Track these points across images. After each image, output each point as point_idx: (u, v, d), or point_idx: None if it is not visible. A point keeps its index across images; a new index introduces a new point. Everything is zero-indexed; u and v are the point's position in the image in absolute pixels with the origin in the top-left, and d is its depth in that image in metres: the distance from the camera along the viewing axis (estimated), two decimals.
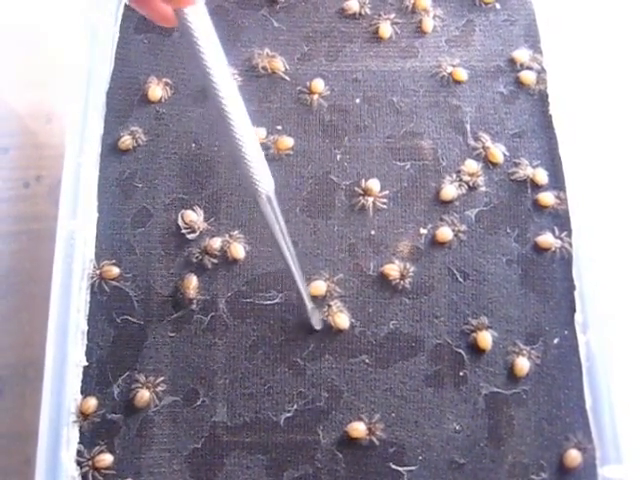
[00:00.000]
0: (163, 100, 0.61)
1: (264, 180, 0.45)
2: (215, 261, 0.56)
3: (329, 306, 0.54)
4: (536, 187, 0.57)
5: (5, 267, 0.70)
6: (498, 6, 0.64)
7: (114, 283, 0.56)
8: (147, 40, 0.63)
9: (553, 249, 0.56)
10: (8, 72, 0.79)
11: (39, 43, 0.80)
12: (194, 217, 0.57)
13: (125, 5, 0.64)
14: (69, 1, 0.79)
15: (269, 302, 0.55)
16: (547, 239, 0.56)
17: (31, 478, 0.50)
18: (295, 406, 0.52)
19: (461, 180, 0.58)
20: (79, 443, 0.52)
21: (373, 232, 0.57)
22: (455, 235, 0.56)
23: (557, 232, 0.56)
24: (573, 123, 0.59)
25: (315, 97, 0.61)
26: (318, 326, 0.53)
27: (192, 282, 0.55)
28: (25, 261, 0.70)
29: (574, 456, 0.50)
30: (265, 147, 0.58)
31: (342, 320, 0.54)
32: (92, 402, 0.52)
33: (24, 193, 0.73)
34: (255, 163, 0.44)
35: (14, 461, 0.62)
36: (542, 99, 0.61)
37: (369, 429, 0.51)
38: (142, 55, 0.63)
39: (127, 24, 0.64)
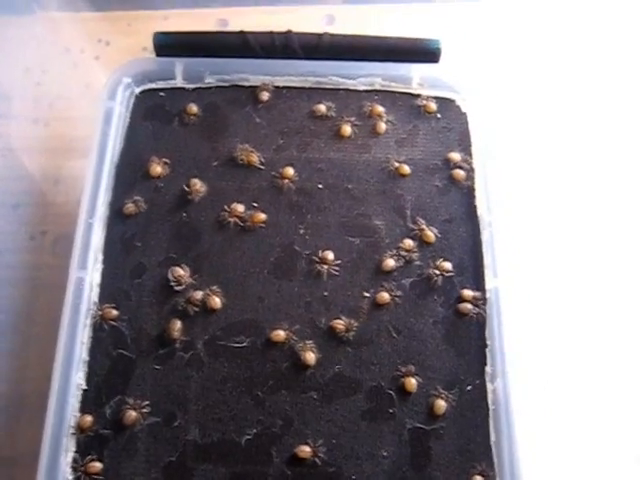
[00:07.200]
0: (162, 176, 0.67)
1: None
2: (196, 309, 0.61)
3: (304, 343, 0.60)
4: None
5: (8, 310, 0.74)
6: (439, 115, 0.70)
7: (112, 323, 0.60)
8: (152, 126, 0.69)
9: (471, 315, 0.62)
10: (28, 139, 0.84)
11: (57, 117, 0.86)
12: (181, 273, 0.62)
13: (136, 96, 0.71)
14: (92, 88, 0.84)
15: (238, 345, 0.60)
16: (466, 306, 0.62)
17: (33, 476, 0.55)
18: (255, 430, 0.57)
19: (399, 255, 0.63)
20: (75, 452, 0.56)
21: (326, 293, 0.62)
22: (392, 299, 0.62)
23: (474, 302, 0.62)
24: (492, 212, 0.65)
25: (286, 181, 0.66)
26: None
27: (176, 325, 0.60)
28: (25, 305, 0.74)
29: None
30: (242, 220, 0.64)
31: (310, 357, 0.59)
32: (88, 419, 0.57)
33: (29, 245, 0.78)
34: None
35: None
36: (469, 193, 0.67)
37: (313, 452, 0.56)
38: (147, 138, 0.69)
39: (136, 112, 0.70)
